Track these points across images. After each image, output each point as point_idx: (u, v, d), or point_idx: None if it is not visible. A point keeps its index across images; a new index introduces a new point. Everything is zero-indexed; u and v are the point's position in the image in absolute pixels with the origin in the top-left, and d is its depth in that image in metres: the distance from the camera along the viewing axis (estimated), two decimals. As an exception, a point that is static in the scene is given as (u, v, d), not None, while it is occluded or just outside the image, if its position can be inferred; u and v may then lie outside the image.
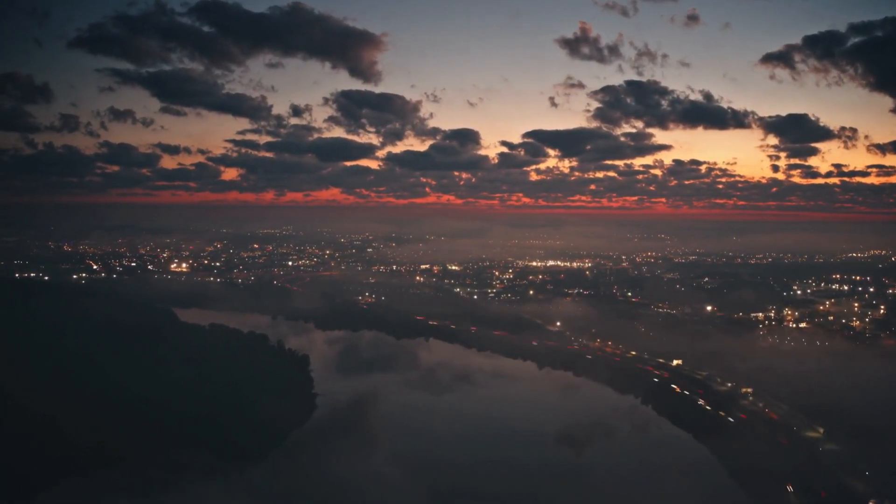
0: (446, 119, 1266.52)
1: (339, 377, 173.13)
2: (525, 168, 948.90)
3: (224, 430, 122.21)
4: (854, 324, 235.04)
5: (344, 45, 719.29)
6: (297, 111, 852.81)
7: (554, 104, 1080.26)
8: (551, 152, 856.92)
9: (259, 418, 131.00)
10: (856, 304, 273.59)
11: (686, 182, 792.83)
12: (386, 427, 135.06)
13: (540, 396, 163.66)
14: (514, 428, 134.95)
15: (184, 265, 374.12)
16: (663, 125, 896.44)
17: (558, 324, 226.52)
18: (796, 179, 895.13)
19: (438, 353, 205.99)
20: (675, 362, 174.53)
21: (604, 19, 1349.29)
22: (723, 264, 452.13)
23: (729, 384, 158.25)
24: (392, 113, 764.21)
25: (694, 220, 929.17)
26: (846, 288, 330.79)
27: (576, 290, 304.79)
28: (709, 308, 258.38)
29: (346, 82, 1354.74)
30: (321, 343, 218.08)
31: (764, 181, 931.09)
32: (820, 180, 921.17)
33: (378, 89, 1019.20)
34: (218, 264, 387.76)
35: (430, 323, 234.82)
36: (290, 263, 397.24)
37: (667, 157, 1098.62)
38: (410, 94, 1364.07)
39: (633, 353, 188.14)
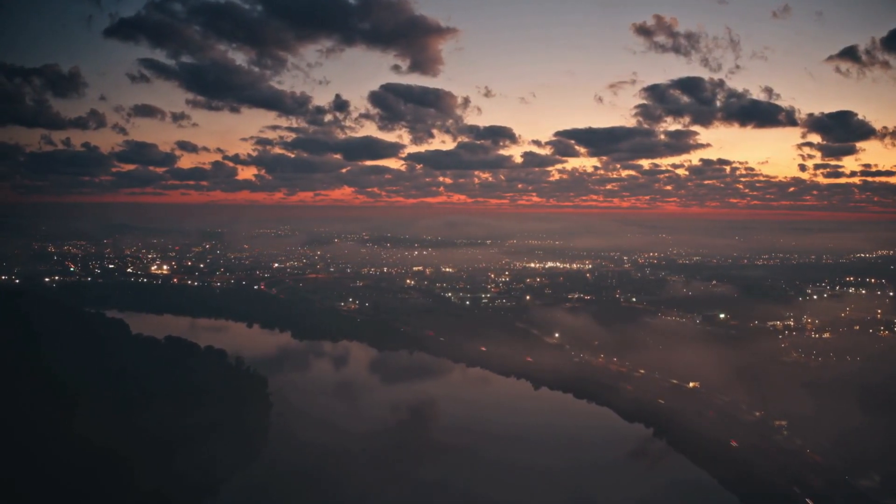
0: (494, 115, 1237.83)
1: (305, 400, 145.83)
2: (548, 168, 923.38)
3: (142, 476, 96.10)
4: (883, 334, 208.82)
5: (411, 35, 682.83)
6: (340, 106, 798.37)
7: (599, 100, 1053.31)
8: (582, 151, 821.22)
9: (192, 459, 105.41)
10: (879, 311, 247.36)
11: (706, 182, 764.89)
12: (347, 478, 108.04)
13: (534, 425, 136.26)
14: (502, 474, 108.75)
15: (164, 267, 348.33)
16: (709, 123, 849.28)
17: (557, 335, 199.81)
18: (819, 179, 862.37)
19: (423, 369, 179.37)
20: (691, 384, 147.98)
21: (688, 8, 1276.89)
22: (728, 265, 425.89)
23: (757, 413, 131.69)
24: (436, 109, 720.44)
25: (697, 219, 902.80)
26: (863, 291, 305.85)
27: (576, 295, 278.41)
28: (721, 315, 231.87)
29: (400, 75, 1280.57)
30: (293, 356, 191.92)
31: (786, 180, 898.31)
32: (843, 180, 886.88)
33: (434, 83, 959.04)
34: (202, 266, 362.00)
35: (417, 333, 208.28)
36: (275, 265, 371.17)
37: (696, 157, 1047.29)
38: (464, 88, 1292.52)
39: (642, 371, 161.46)
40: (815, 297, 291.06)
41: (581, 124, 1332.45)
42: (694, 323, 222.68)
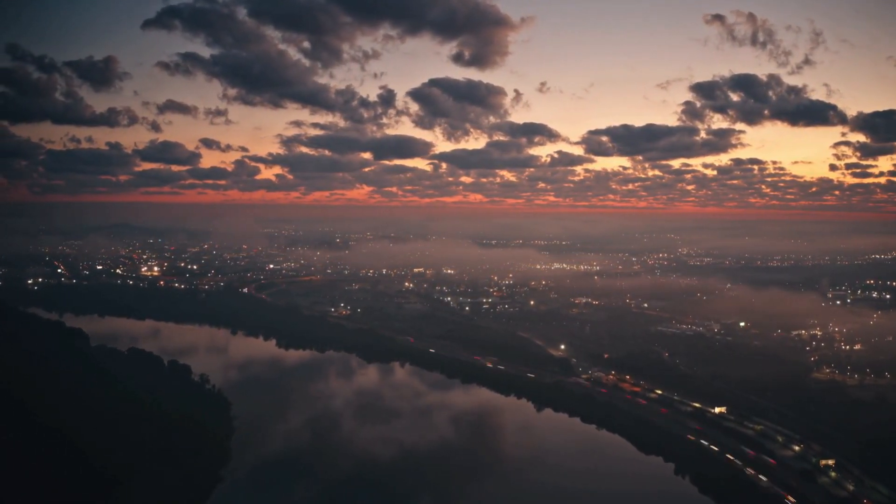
0: (544, 110, 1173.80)
1: (275, 423, 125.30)
2: (576, 167, 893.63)
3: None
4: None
5: (482, 25, 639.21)
6: (388, 100, 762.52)
7: (649, 97, 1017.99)
8: (614, 149, 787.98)
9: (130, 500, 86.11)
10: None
11: (732, 182, 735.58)
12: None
13: (537, 453, 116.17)
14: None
15: (155, 269, 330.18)
16: (757, 121, 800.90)
17: (563, 347, 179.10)
18: (847, 179, 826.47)
19: (414, 384, 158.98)
20: (717, 409, 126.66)
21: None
22: (742, 267, 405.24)
23: (796, 447, 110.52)
24: (482, 106, 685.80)
25: (710, 219, 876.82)
26: (888, 296, 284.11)
27: (584, 300, 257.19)
28: (741, 323, 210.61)
29: (460, 68, 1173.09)
30: (272, 369, 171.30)
31: (812, 180, 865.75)
32: (869, 180, 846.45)
33: (491, 77, 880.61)
34: (195, 267, 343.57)
35: (410, 343, 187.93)
36: (271, 266, 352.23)
37: (731, 156, 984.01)
38: (522, 82, 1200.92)
39: (659, 391, 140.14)
40: (837, 302, 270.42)
41: (629, 121, 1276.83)
42: (712, 332, 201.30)
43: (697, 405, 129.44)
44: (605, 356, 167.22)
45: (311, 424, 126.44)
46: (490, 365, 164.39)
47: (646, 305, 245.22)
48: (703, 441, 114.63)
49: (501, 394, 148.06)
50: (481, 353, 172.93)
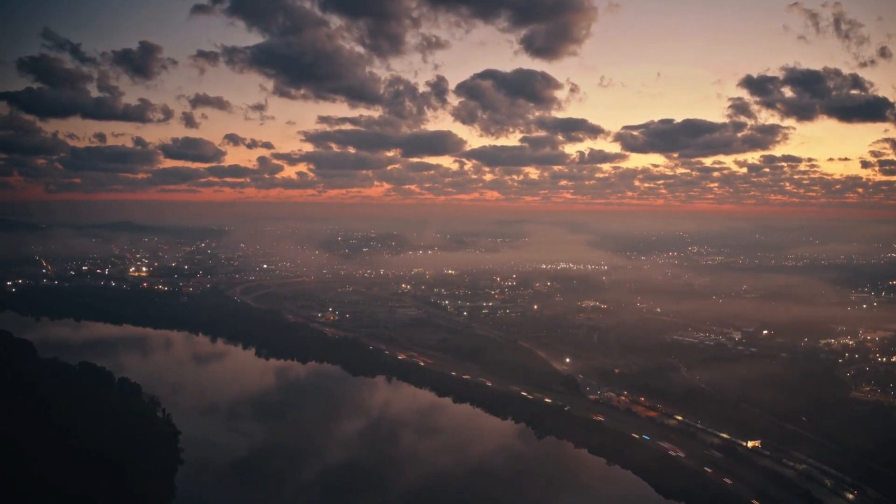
0: (596, 106, 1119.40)
1: (229, 457, 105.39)
2: (606, 164, 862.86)
3: None
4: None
5: (559, 13, 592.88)
6: (441, 91, 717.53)
7: (707, 91, 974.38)
8: (650, 146, 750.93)
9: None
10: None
11: (760, 179, 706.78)
12: None
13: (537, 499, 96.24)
14: None
15: (143, 269, 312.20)
16: (807, 117, 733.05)
17: (567, 359, 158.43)
18: (878, 176, 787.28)
19: (399, 403, 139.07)
20: (749, 443, 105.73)
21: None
22: (756, 266, 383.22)
23: (849, 494, 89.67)
24: (534, 99, 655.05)
25: (724, 217, 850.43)
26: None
27: (591, 303, 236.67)
28: (764, 331, 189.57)
29: (528, 58, 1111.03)
30: (241, 386, 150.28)
31: (841, 178, 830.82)
32: None
33: (552, 69, 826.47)
34: (186, 268, 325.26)
35: (399, 354, 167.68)
36: (265, 266, 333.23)
37: (769, 153, 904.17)
38: (583, 74, 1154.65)
39: (679, 417, 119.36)
40: (864, 305, 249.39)
41: (684, 116, 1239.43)
42: (733, 341, 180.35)
43: (726, 436, 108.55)
44: (616, 371, 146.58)
45: (269, 459, 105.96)
46: (485, 380, 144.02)
47: (658, 310, 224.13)
48: (734, 483, 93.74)
49: (498, 416, 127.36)
50: (477, 367, 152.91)
